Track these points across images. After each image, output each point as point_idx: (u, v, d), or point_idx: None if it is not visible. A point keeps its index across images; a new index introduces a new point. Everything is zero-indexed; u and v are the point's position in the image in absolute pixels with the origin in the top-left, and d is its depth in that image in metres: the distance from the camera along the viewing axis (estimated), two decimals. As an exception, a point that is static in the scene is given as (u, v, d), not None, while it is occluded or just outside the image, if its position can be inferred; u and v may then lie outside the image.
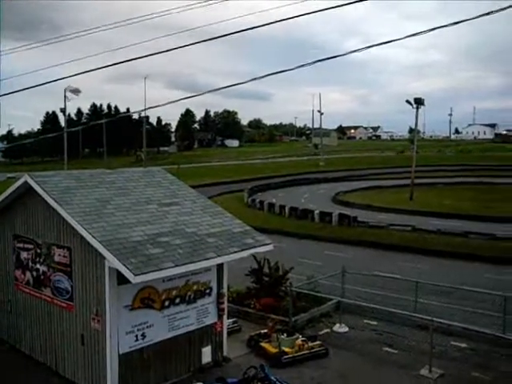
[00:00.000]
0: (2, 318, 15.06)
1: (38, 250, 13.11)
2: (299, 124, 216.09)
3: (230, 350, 13.92)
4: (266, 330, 14.71)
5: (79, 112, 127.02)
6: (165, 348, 12.31)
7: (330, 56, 11.64)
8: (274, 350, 13.71)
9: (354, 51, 11.96)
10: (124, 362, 11.56)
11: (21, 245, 13.76)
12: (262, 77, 12.39)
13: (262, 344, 14.14)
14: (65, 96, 56.02)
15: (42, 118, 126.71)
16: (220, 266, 13.18)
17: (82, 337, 12.05)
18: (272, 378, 11.32)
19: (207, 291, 13.09)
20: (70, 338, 12.49)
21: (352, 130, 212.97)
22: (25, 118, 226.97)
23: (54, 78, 14.36)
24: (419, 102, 51.31)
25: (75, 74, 14.01)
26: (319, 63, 11.44)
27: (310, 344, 14.01)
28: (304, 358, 13.64)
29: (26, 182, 12.86)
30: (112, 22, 66.49)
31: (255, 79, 12.99)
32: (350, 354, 14.28)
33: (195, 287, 12.76)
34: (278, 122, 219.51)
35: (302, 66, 11.43)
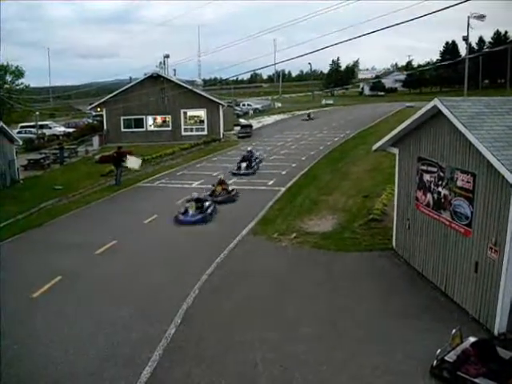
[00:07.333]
0: (401, 234, 16.23)
1: (441, 174, 13.37)
2: None
3: None
4: None
5: (481, 41, 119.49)
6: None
7: None
8: None
9: None
10: (518, 297, 11.07)
11: (424, 167, 14.30)
12: None
13: None
14: (468, 23, 54.26)
15: (441, 49, 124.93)
16: None
17: (476, 264, 11.97)
18: None
19: None
20: (463, 263, 12.57)
21: None
22: (424, 49, 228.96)
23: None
24: None
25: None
26: None
27: None
28: None
29: (435, 106, 13.12)
30: None
31: None
32: None
33: None
34: None
35: None
